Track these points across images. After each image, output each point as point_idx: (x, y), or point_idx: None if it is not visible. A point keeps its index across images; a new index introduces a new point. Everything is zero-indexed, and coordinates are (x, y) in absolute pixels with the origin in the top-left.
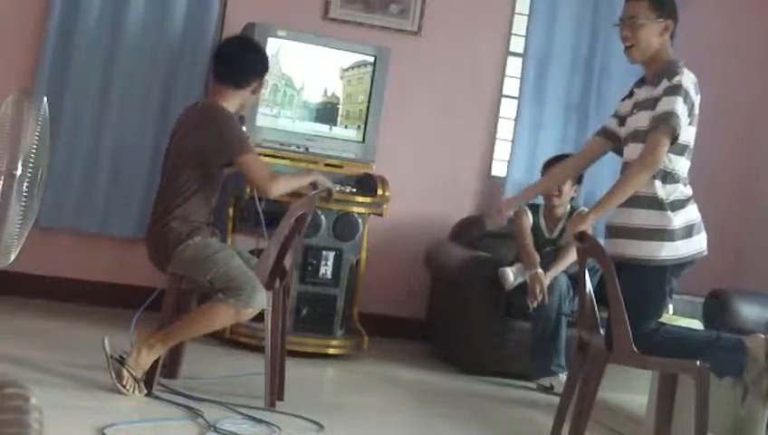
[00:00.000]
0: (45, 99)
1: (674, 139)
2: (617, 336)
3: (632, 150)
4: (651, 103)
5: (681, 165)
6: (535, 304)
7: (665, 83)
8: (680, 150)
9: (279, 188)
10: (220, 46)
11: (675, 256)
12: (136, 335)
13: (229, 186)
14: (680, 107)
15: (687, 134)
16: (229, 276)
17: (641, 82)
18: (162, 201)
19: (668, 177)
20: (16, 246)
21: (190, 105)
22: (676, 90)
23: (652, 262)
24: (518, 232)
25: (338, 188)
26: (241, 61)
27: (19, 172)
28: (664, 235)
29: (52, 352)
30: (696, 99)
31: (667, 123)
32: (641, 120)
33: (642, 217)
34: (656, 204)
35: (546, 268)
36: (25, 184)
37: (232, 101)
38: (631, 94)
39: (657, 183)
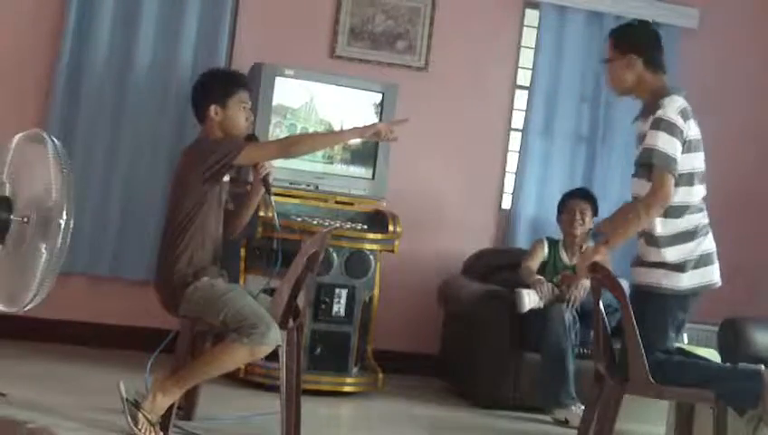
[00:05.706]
0: (60, 143)
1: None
2: (632, 366)
3: (635, 184)
4: (642, 138)
5: (682, 195)
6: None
7: (651, 118)
8: (684, 181)
9: (298, 149)
10: None
11: (678, 286)
12: (151, 379)
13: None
14: (662, 140)
15: (685, 163)
16: (242, 315)
17: (638, 115)
18: (165, 242)
19: (672, 210)
20: (39, 294)
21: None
22: (656, 124)
23: (656, 290)
24: (528, 255)
25: (348, 226)
26: (192, 98)
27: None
28: (665, 266)
29: (67, 396)
30: (687, 125)
31: (651, 160)
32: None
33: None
34: (651, 240)
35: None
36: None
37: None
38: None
39: (658, 219)
